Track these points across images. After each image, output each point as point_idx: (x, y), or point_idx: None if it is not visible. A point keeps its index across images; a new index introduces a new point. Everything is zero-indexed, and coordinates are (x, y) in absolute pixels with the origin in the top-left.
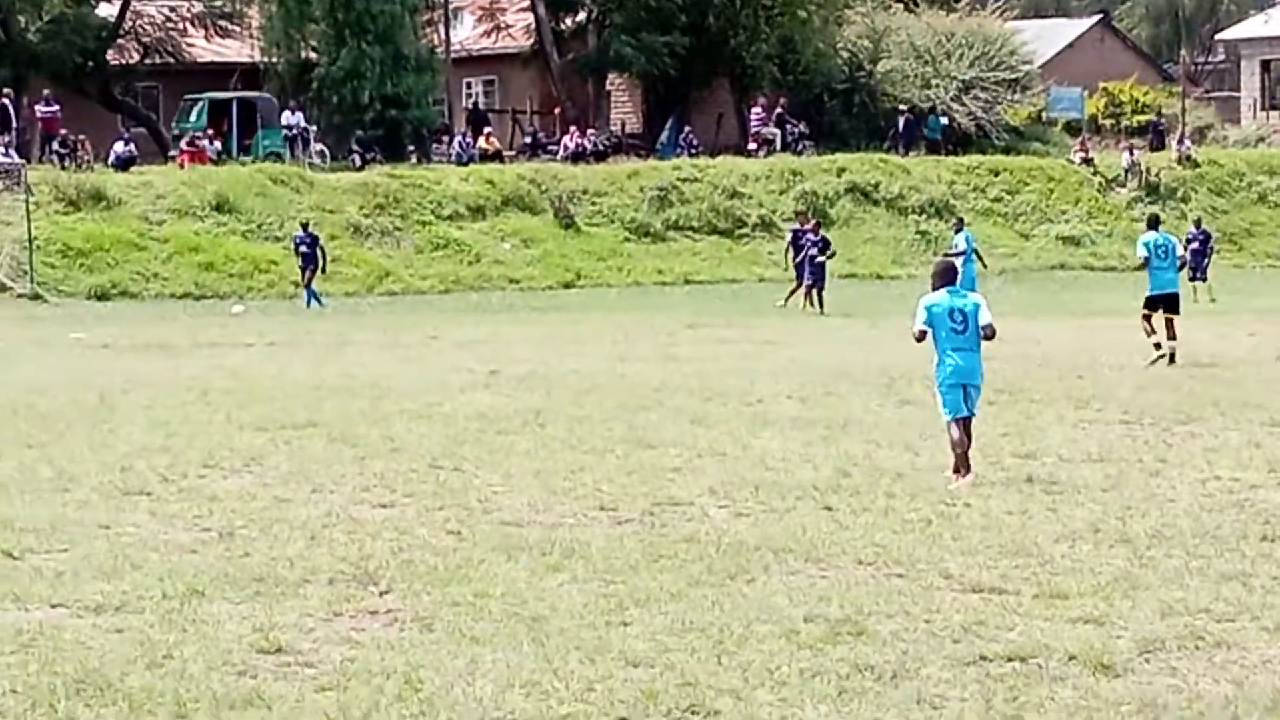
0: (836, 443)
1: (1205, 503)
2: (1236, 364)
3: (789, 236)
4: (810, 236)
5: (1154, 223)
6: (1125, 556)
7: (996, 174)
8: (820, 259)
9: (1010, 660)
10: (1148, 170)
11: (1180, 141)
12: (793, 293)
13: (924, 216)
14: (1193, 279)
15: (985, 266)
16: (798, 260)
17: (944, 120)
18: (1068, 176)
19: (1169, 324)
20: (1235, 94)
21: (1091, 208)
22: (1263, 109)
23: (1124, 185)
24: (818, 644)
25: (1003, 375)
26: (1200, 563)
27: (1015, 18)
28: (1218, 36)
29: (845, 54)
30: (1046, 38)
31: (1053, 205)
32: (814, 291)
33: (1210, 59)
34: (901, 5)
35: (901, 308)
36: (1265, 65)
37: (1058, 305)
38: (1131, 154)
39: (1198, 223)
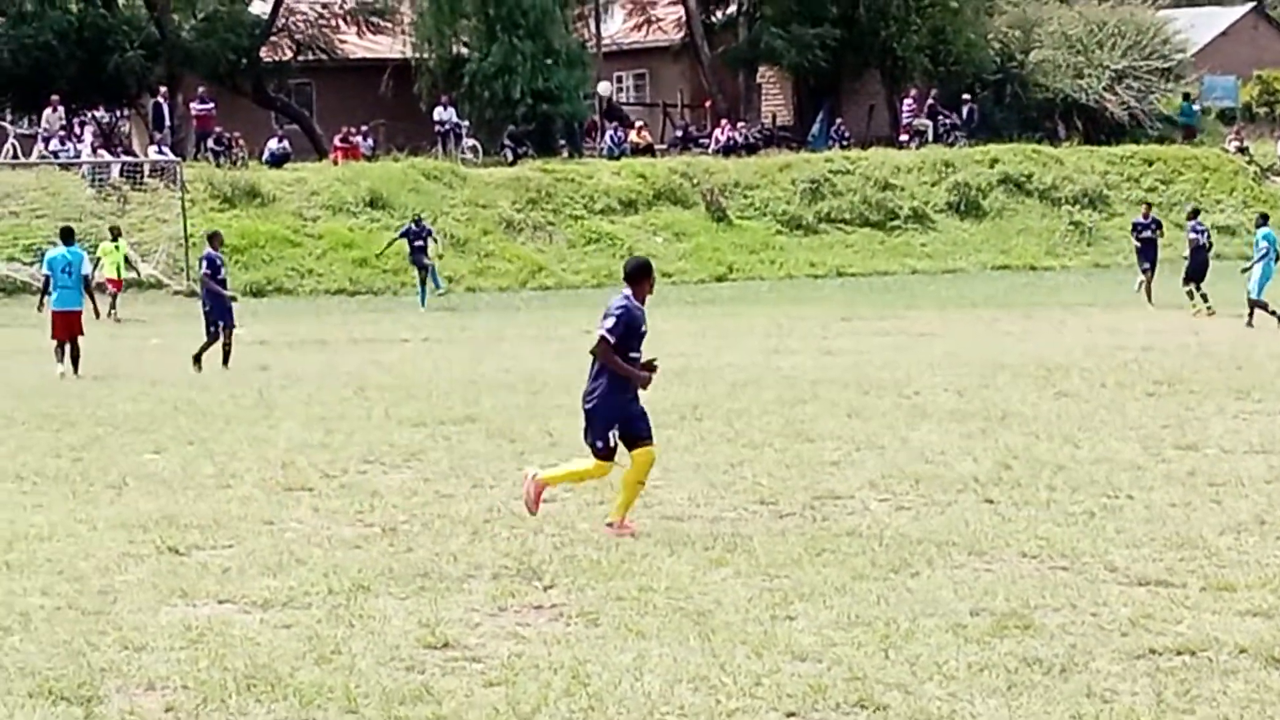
0: (995, 435)
1: None
2: None
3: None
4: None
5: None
6: None
7: (1150, 164)
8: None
9: (1180, 654)
10: None
11: None
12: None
13: (1077, 207)
14: None
15: None
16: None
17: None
18: (1222, 166)
19: None
20: None
21: (1247, 197)
22: None
23: (1279, 174)
24: (985, 638)
25: (1162, 366)
26: None
27: (1167, 6)
28: None
29: (997, 44)
30: (1199, 26)
31: (1208, 195)
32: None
33: None
34: None
35: (1055, 299)
36: None
37: (1214, 296)
38: None
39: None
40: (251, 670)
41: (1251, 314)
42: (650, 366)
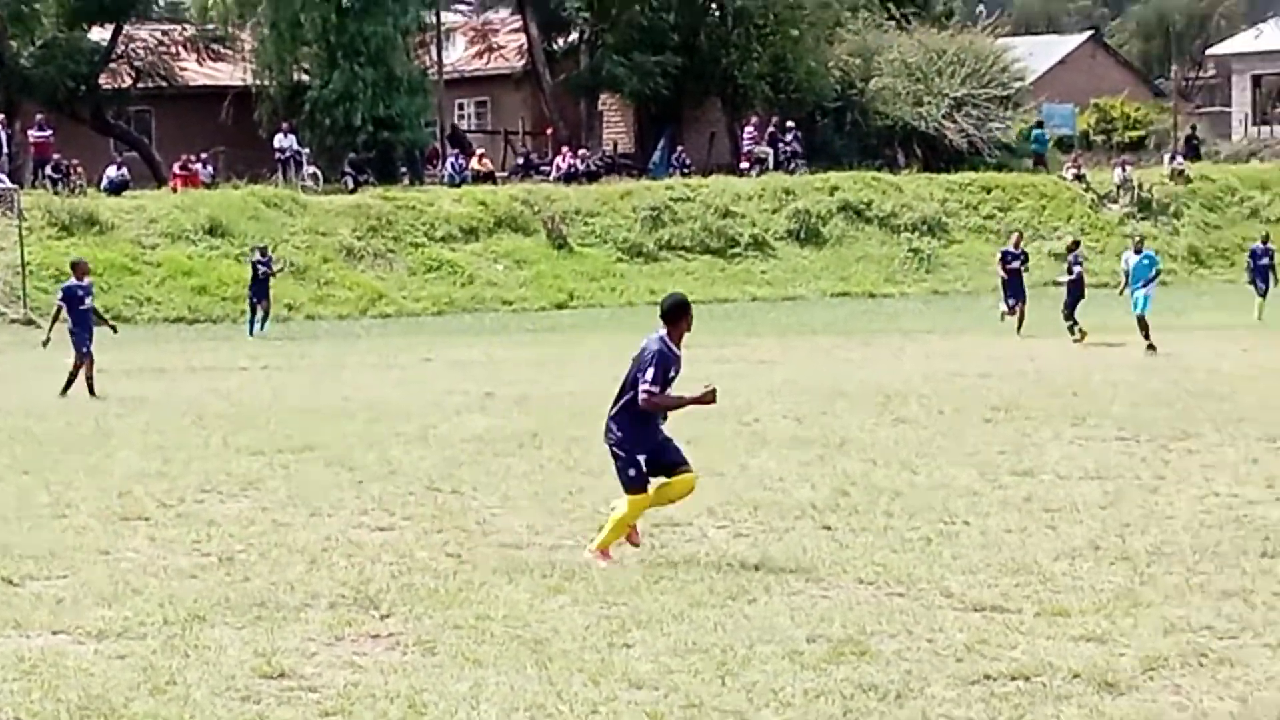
0: (834, 462)
1: (1204, 519)
2: (1232, 379)
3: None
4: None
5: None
6: (1126, 574)
7: (989, 191)
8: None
9: (1014, 679)
10: (1140, 186)
11: (1172, 157)
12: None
13: (916, 234)
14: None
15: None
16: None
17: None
18: (1060, 193)
19: None
20: (1226, 109)
21: (1084, 224)
22: (1254, 124)
23: (1116, 201)
24: (821, 664)
25: (999, 393)
26: (1201, 579)
27: (1007, 34)
28: (1208, 52)
29: (837, 72)
30: (1038, 54)
31: (1045, 222)
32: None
33: (1201, 74)
34: (893, 23)
35: (894, 326)
36: (1256, 80)
37: (1051, 322)
38: (1124, 170)
39: (1265, 238)
40: (85, 702)
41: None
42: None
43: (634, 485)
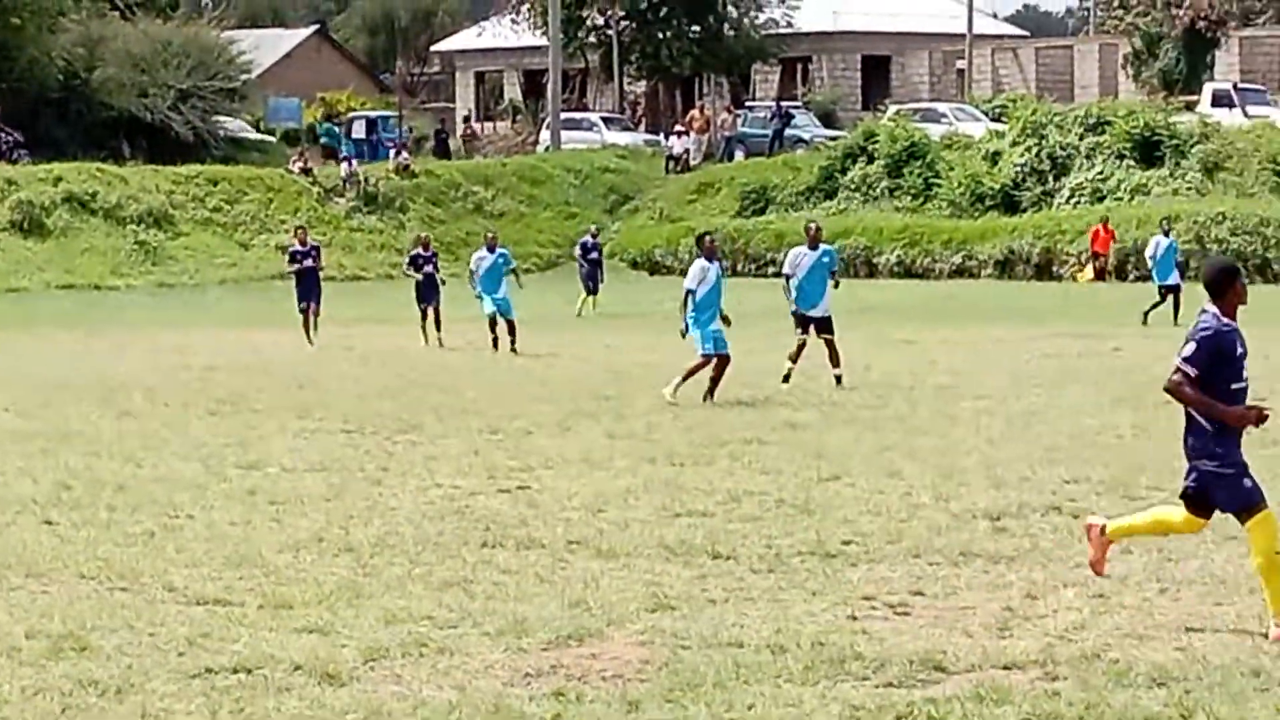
0: (57, 455)
1: (427, 510)
2: (456, 371)
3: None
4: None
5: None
6: (349, 565)
7: (215, 183)
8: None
9: (236, 672)
10: (366, 180)
11: (398, 152)
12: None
13: (142, 226)
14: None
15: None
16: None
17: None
18: (287, 186)
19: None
20: (451, 105)
21: (311, 217)
22: (478, 119)
23: (343, 195)
24: (40, 661)
25: (226, 386)
26: (423, 570)
27: (233, 27)
28: (433, 48)
29: (61, 62)
30: (264, 48)
31: (272, 215)
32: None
33: (426, 70)
34: (118, 13)
35: (120, 318)
36: (480, 77)
37: (280, 315)
38: (350, 164)
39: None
40: None
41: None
42: (1260, 414)
43: (1204, 511)
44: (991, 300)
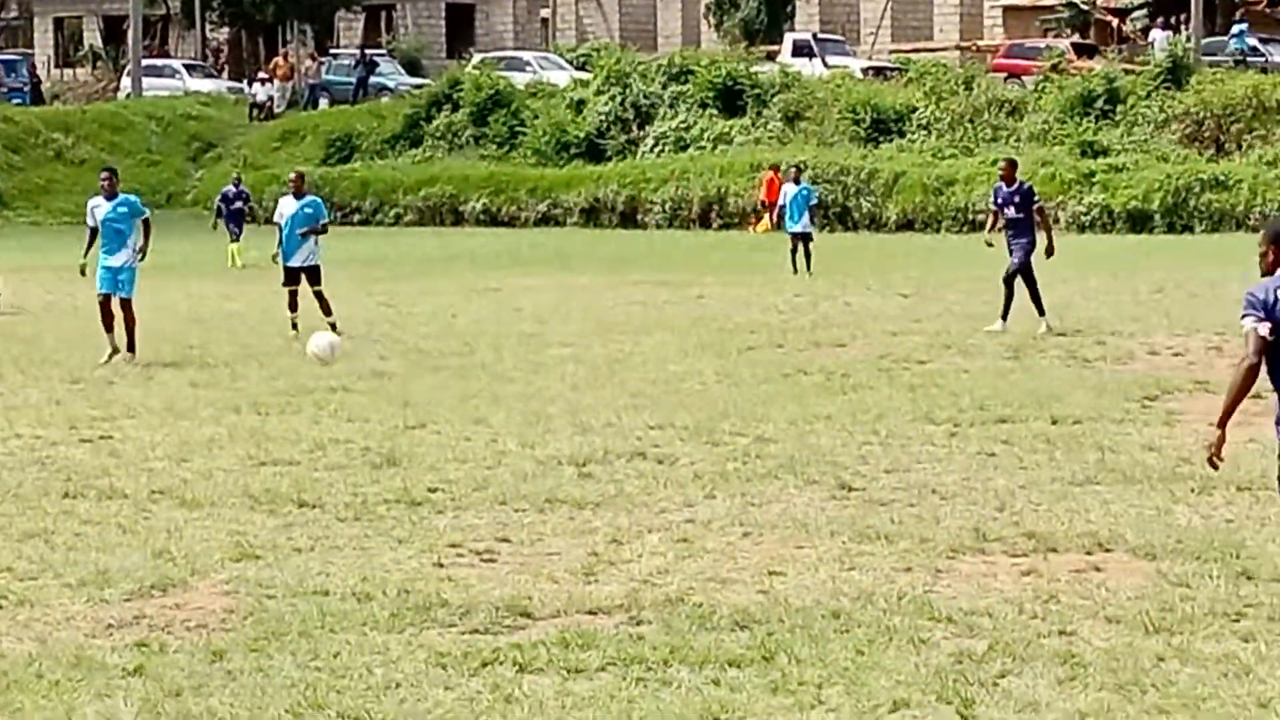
0: None
1: (6, 460)
2: (36, 320)
3: None
4: None
5: None
6: None
7: None
8: None
9: None
10: None
11: None
12: None
13: None
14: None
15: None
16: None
17: None
18: None
19: None
20: (30, 51)
21: None
22: (57, 66)
23: None
24: None
25: None
26: (2, 521)
27: None
28: None
29: None
30: None
31: None
32: None
33: (4, 15)
34: None
35: None
36: (59, 22)
37: None
38: None
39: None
40: None
41: None
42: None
43: None
44: (577, 248)
